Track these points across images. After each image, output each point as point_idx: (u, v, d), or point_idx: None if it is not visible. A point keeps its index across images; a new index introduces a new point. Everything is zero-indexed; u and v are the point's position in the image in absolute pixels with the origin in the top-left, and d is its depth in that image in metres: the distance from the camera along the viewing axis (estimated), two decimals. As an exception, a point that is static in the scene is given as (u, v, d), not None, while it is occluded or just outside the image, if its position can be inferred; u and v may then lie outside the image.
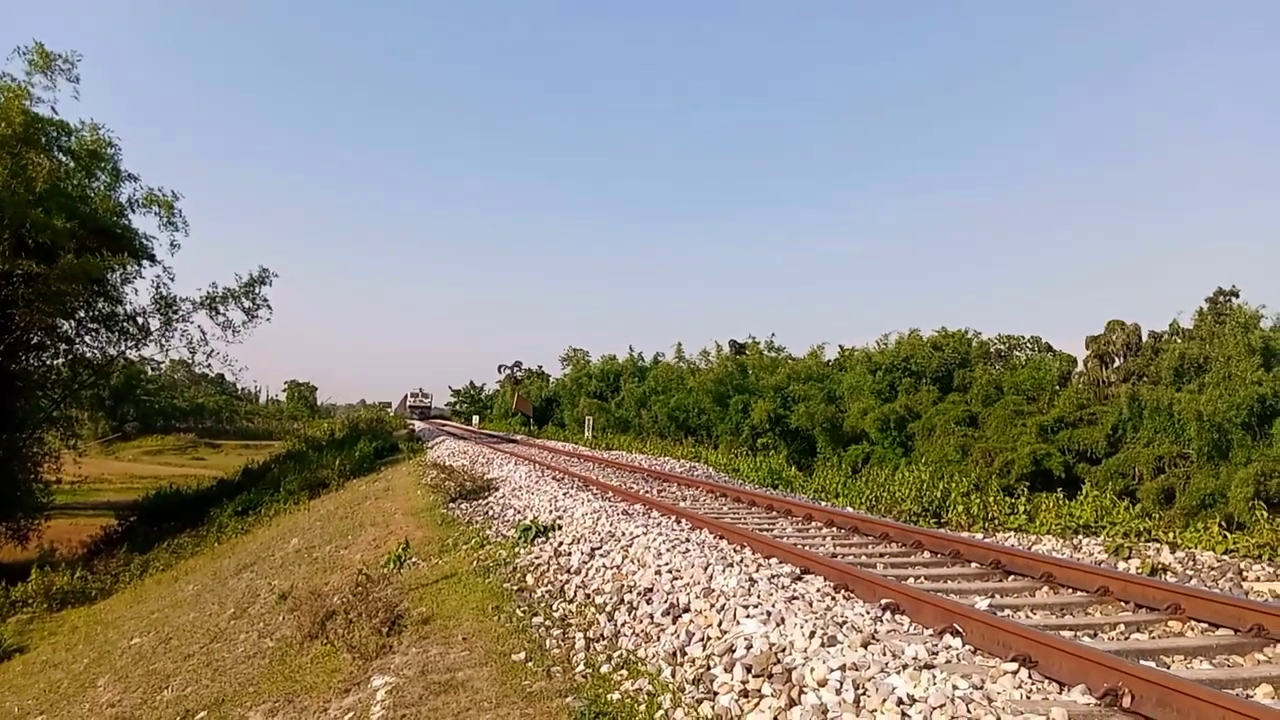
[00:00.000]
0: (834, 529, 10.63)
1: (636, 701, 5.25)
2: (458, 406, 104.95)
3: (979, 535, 11.17)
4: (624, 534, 9.39)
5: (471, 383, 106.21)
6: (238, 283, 34.96)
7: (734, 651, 5.40)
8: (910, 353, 51.79)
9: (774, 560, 7.95)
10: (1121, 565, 8.38)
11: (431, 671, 6.43)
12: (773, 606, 6.00)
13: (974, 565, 8.12)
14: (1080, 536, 10.30)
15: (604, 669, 5.91)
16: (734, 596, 6.33)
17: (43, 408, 32.66)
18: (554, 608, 7.68)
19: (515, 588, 8.58)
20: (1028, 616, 6.30)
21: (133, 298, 33.71)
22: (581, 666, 6.03)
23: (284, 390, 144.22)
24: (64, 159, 30.40)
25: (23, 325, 29.00)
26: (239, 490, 31.52)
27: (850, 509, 14.85)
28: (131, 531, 29.69)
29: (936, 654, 5.04)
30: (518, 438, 44.13)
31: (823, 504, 15.39)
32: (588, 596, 7.76)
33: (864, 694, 4.45)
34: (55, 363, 33.51)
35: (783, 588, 6.67)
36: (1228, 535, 9.44)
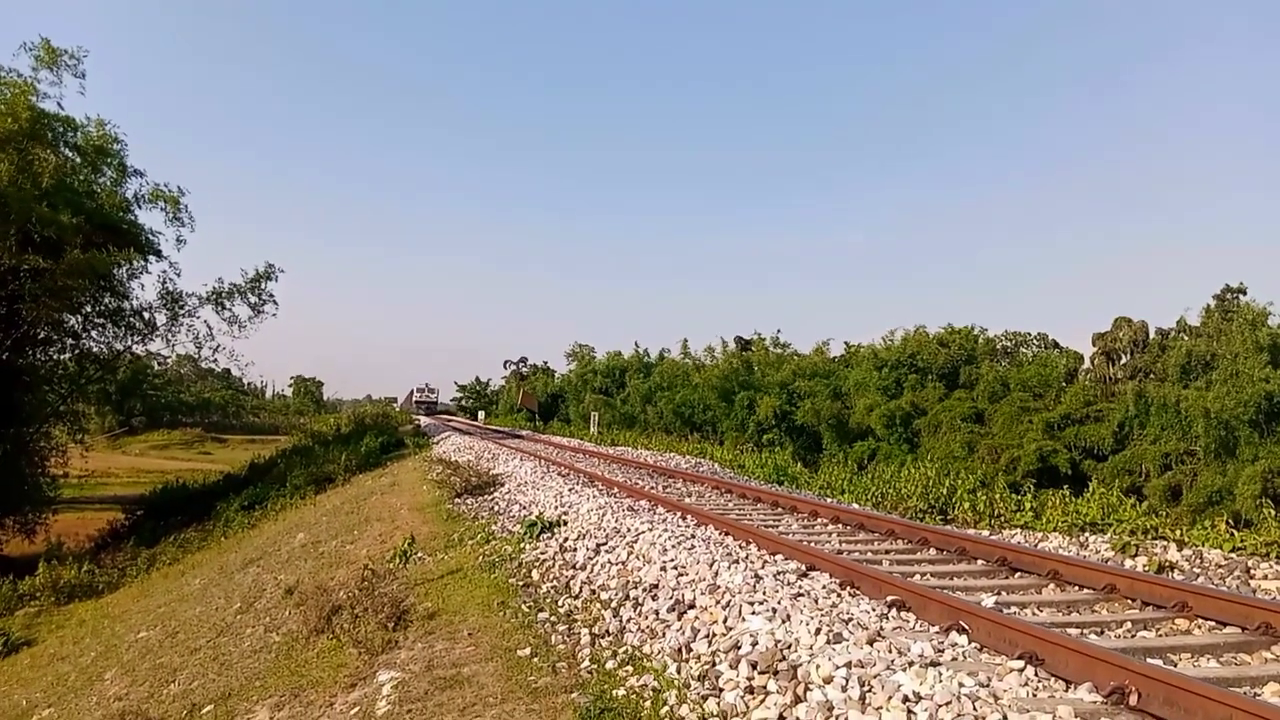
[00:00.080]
0: (840, 525, 10.62)
1: (642, 698, 5.24)
2: (464, 402, 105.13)
3: (985, 532, 11.15)
4: (629, 530, 9.39)
5: (477, 378, 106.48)
6: (244, 278, 35.01)
7: (739, 648, 5.39)
8: (916, 349, 51.69)
9: (779, 557, 7.94)
10: (1128, 563, 8.36)
11: (437, 667, 6.44)
12: (778, 603, 5.99)
13: (980, 562, 8.11)
14: (1087, 534, 10.28)
15: (609, 665, 5.91)
16: (739, 593, 6.32)
17: (49, 402, 32.75)
18: (559, 603, 7.69)
19: (521, 583, 8.59)
20: (1034, 614, 6.28)
21: (139, 293, 33.87)
22: (587, 662, 6.03)
23: (290, 385, 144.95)
24: (70, 154, 30.45)
25: (30, 320, 29.10)
26: (245, 485, 31.63)
27: (856, 505, 14.82)
28: (138, 526, 29.83)
29: (943, 651, 5.03)
30: (523, 433, 44.19)
31: (828, 500, 15.36)
32: (593, 592, 7.76)
33: (870, 691, 4.44)
34: (62, 357, 33.63)
35: (788, 584, 6.66)
36: (1235, 533, 9.39)
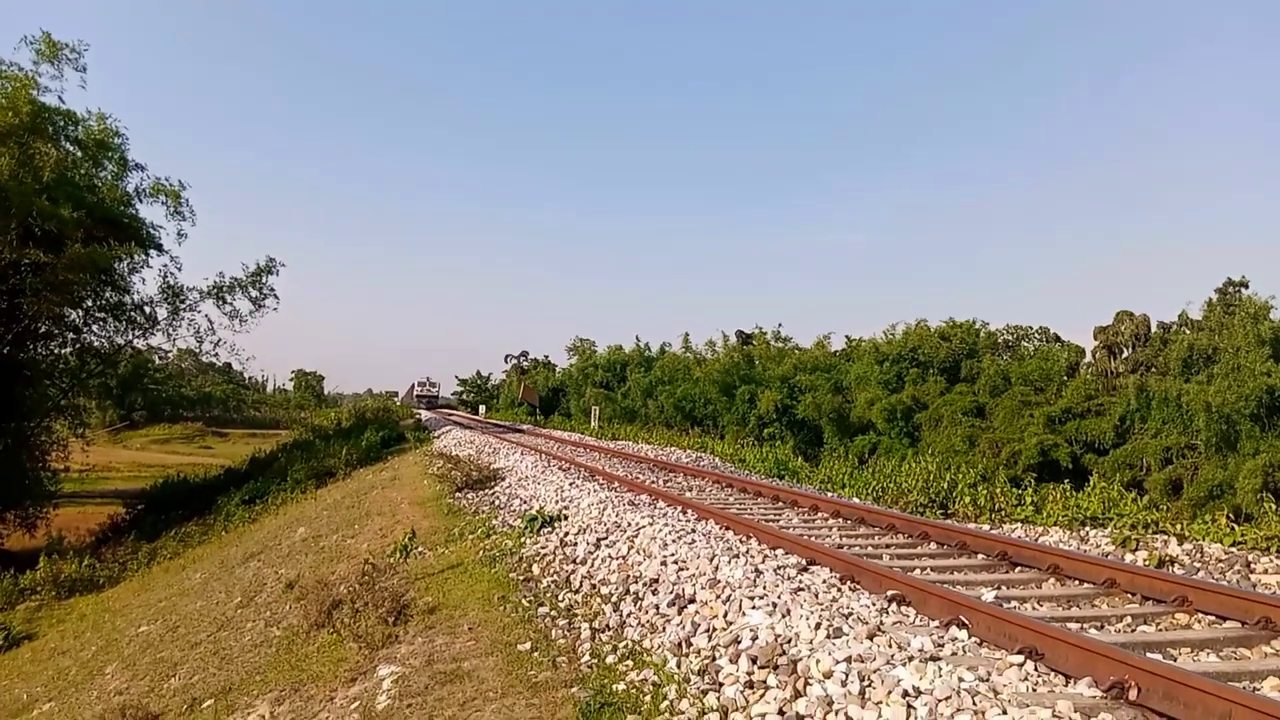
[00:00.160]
0: (840, 520, 10.62)
1: (642, 692, 5.24)
2: (464, 396, 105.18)
3: (986, 526, 11.16)
4: (630, 524, 9.38)
5: (478, 372, 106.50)
6: (245, 272, 35.00)
7: (739, 643, 5.39)
8: (917, 343, 51.60)
9: (780, 551, 7.94)
10: (1129, 557, 8.36)
11: (437, 661, 6.44)
12: (778, 598, 5.99)
13: (980, 557, 8.10)
14: (1087, 528, 10.27)
15: (609, 659, 5.91)
16: (740, 588, 6.32)
17: (50, 396, 32.78)
18: (560, 598, 7.69)
19: (521, 578, 8.59)
20: (1034, 608, 6.27)
21: (140, 287, 33.85)
22: (587, 657, 6.03)
23: (291, 379, 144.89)
24: (71, 148, 30.43)
25: (31, 314, 29.11)
26: (246, 479, 31.64)
27: (857, 500, 14.83)
28: (139, 520, 29.86)
29: (943, 646, 5.03)
30: (524, 427, 44.20)
31: (829, 495, 15.36)
32: (593, 587, 7.76)
33: (870, 686, 4.43)
34: (63, 352, 33.67)
35: (788, 579, 6.66)
36: (1236, 527, 9.40)
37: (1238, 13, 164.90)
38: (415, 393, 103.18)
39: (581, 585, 7.92)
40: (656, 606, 6.62)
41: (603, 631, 6.57)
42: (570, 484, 13.75)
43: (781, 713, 4.53)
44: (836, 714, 4.31)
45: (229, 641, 10.23)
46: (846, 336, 59.56)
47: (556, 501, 11.96)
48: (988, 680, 4.38)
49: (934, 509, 14.77)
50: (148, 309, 33.54)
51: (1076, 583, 6.98)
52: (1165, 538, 9.04)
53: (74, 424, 35.84)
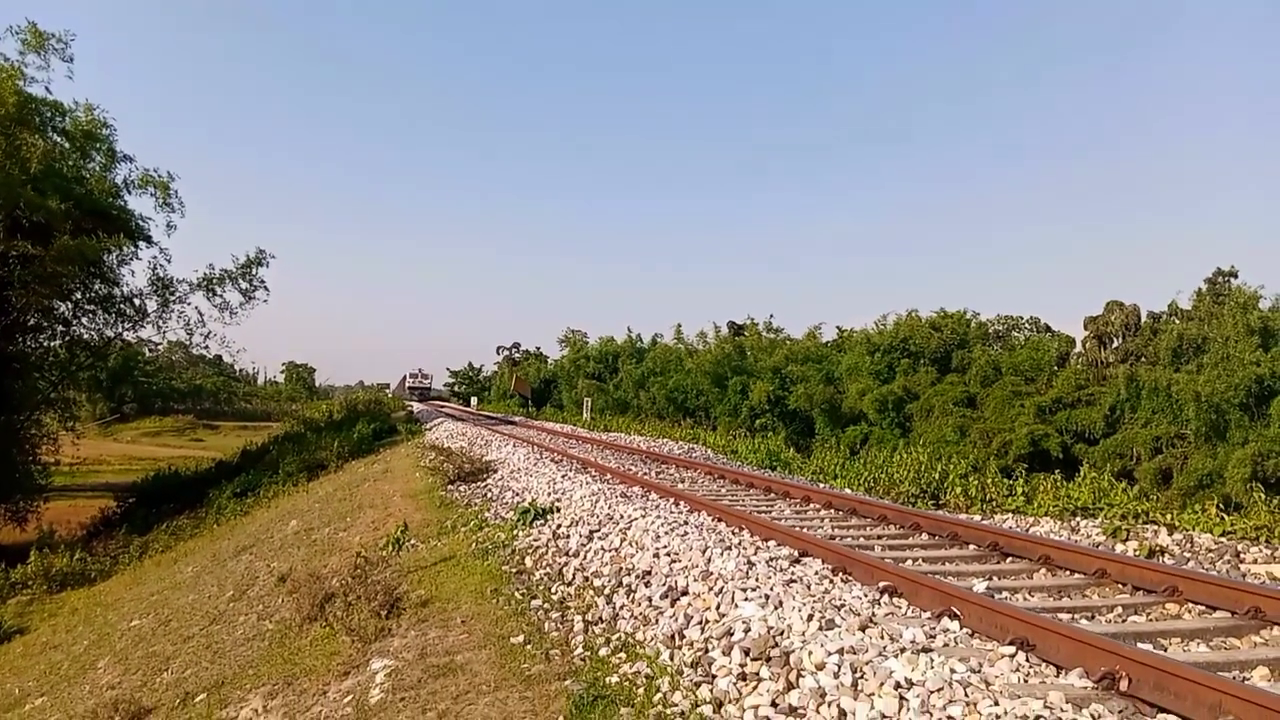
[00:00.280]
0: (832, 511, 10.64)
1: (635, 684, 5.25)
2: (456, 388, 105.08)
3: (977, 517, 11.19)
4: (622, 516, 9.39)
5: (470, 364, 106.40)
6: (235, 264, 34.86)
7: (732, 635, 5.40)
8: (909, 334, 51.66)
9: (772, 543, 7.95)
10: (1119, 547, 8.40)
11: (430, 654, 6.44)
12: (771, 589, 6.00)
13: (972, 547, 8.13)
14: (1078, 518, 10.32)
15: (602, 652, 5.92)
16: (732, 579, 6.33)
17: (40, 389, 32.66)
18: (552, 590, 7.69)
19: (514, 570, 8.59)
20: (1026, 599, 6.30)
21: (129, 279, 33.78)
22: (580, 649, 6.03)
23: (282, 371, 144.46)
24: (59, 139, 30.26)
25: (19, 307, 28.96)
26: (237, 472, 31.57)
27: (848, 491, 14.86)
28: (130, 513, 29.77)
29: (934, 637, 5.04)
30: (516, 419, 44.16)
31: (821, 486, 15.40)
32: (586, 579, 7.76)
33: (862, 677, 4.45)
34: (52, 344, 33.51)
35: (781, 570, 6.67)
36: (1225, 517, 9.45)
37: (1235, 10, 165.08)
38: (407, 384, 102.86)
39: (574, 578, 7.93)
40: (649, 599, 6.63)
41: (596, 624, 6.57)
42: (562, 476, 13.74)
43: (774, 704, 4.54)
44: (829, 706, 4.32)
45: (221, 635, 10.21)
46: (838, 327, 59.63)
47: (549, 494, 11.96)
48: (979, 671, 4.40)
49: (925, 500, 14.84)
50: (137, 301, 33.50)
51: (1067, 573, 7.00)
52: (1155, 528, 9.09)
53: (64, 417, 35.74)
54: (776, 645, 5.04)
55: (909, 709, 4.10)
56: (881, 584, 6.24)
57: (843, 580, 6.59)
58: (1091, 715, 3.89)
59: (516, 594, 7.65)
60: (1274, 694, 3.74)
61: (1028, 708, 3.87)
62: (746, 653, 5.07)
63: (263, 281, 35.47)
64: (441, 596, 8.10)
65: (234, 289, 34.79)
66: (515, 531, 10.17)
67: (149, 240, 32.83)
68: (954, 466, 17.29)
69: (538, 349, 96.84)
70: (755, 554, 7.30)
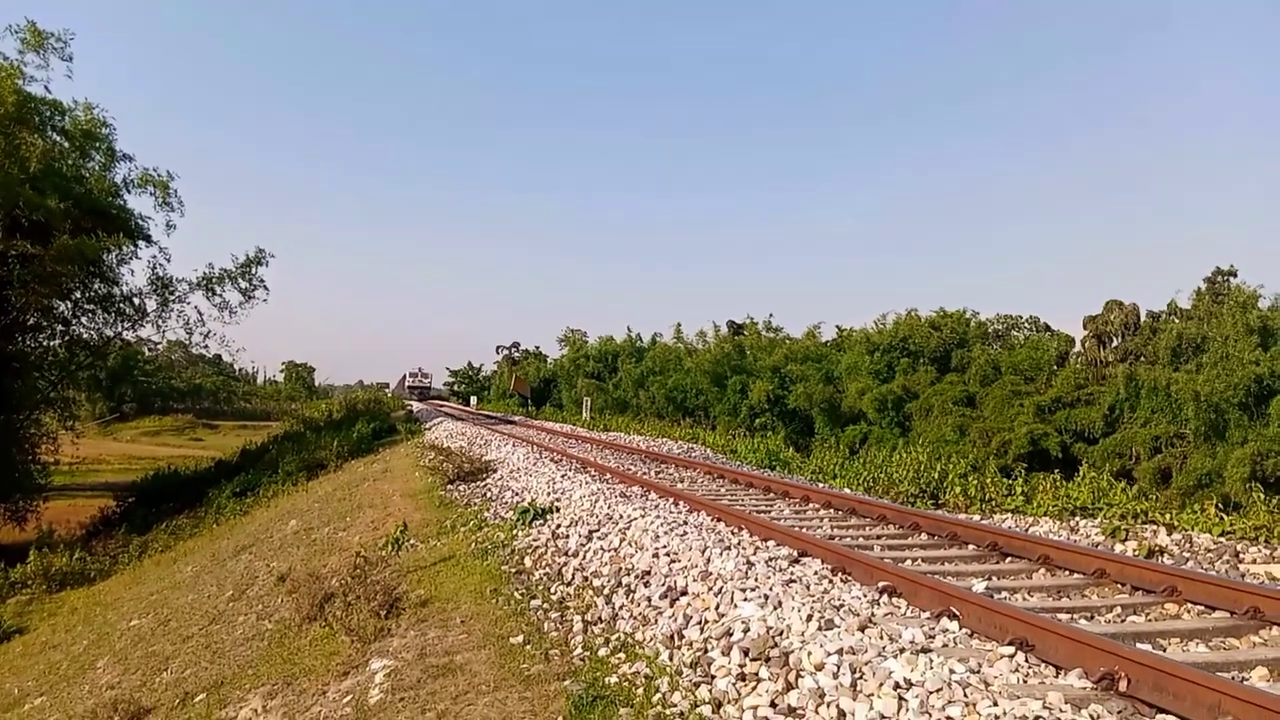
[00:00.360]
0: (831, 511, 10.64)
1: (634, 684, 5.25)
2: (456, 387, 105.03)
3: (976, 517, 11.19)
4: (622, 516, 9.39)
5: (469, 363, 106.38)
6: (234, 264, 34.85)
7: (731, 635, 5.40)
8: (908, 333, 51.61)
9: (771, 543, 7.95)
10: (1118, 547, 8.40)
11: (430, 654, 6.44)
12: (770, 589, 6.00)
13: (971, 547, 8.13)
14: (1077, 518, 10.32)
15: (602, 652, 5.92)
16: (731, 579, 6.33)
17: (40, 389, 32.64)
18: (552, 590, 7.69)
19: (513, 570, 8.59)
20: (1025, 599, 6.30)
21: (129, 278, 33.78)
22: (579, 649, 6.03)
23: (282, 371, 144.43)
24: (58, 139, 30.26)
25: (19, 306, 28.96)
26: (237, 471, 31.56)
27: (848, 490, 14.86)
28: (130, 513, 29.76)
29: (933, 637, 5.04)
30: (515, 419, 44.15)
31: (820, 485, 15.41)
32: (585, 579, 7.77)
33: (861, 678, 4.45)
34: (52, 344, 33.51)
35: (780, 570, 6.67)
36: (1224, 517, 9.45)
37: (1231, 4, 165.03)
38: (407, 384, 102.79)
39: (574, 578, 7.93)
40: (649, 599, 6.63)
41: (595, 624, 6.57)
42: (562, 476, 13.74)
43: (773, 705, 4.54)
44: (828, 706, 4.32)
45: (221, 635, 10.21)
46: (837, 326, 59.59)
47: (548, 494, 11.96)
48: (979, 672, 4.40)
49: (925, 499, 14.83)
50: (137, 300, 33.49)
51: (1067, 573, 7.00)
52: (1154, 528, 9.09)
53: (63, 416, 35.73)
54: (775, 645, 5.05)
55: (908, 709, 4.10)
56: (881, 584, 6.24)
57: (842, 580, 6.59)
58: (1090, 716, 3.89)
59: (516, 594, 7.65)
60: (1273, 694, 3.74)
61: (1027, 708, 3.87)
62: (746, 653, 5.07)
63: (262, 281, 35.52)
64: (441, 596, 8.10)
65: (233, 288, 34.83)
66: (515, 531, 10.17)
67: (148, 239, 32.88)
68: (953, 466, 17.29)
69: (537, 348, 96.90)
70: (754, 554, 7.31)
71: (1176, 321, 43.89)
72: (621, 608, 6.73)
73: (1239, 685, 4.02)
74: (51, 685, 11.65)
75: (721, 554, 7.08)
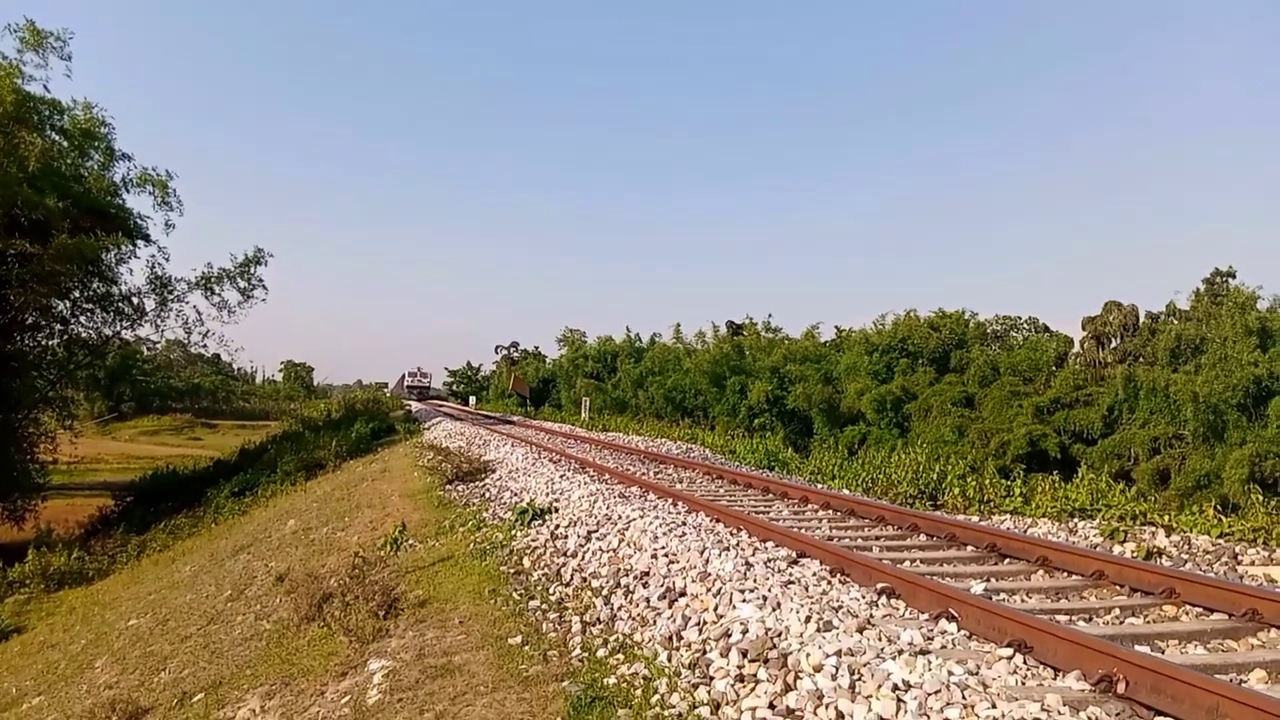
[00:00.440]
0: (830, 511, 10.64)
1: (633, 686, 5.25)
2: (455, 387, 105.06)
3: (975, 518, 11.19)
4: (620, 517, 9.38)
5: (468, 363, 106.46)
6: (233, 263, 34.81)
7: (730, 636, 5.40)
8: (907, 333, 51.59)
9: (770, 544, 7.95)
10: (1117, 549, 8.40)
11: (428, 655, 6.44)
12: (769, 591, 6.00)
13: (970, 548, 8.13)
14: (1076, 519, 10.33)
15: (600, 653, 5.92)
16: (730, 580, 6.33)
17: (38, 388, 32.60)
18: (550, 591, 7.69)
19: (512, 571, 8.59)
20: (1023, 601, 6.31)
21: (128, 278, 33.72)
22: (578, 650, 6.03)
23: (280, 370, 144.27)
24: (57, 138, 30.22)
25: (17, 305, 28.91)
26: (235, 471, 31.55)
27: (847, 491, 14.87)
28: (128, 512, 29.74)
29: (932, 639, 5.04)
30: (514, 419, 44.14)
31: (819, 486, 15.41)
32: (584, 580, 7.76)
33: (859, 679, 4.45)
34: (50, 343, 33.47)
35: (779, 571, 6.67)
36: (1223, 519, 9.46)
37: (1231, 4, 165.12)
38: (405, 384, 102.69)
39: (572, 578, 7.93)
40: (647, 600, 6.63)
41: (593, 625, 6.57)
42: (561, 476, 13.74)
43: (772, 706, 4.54)
44: (827, 708, 4.32)
45: (219, 635, 10.20)
46: (836, 327, 59.53)
47: (547, 494, 11.95)
48: (977, 674, 4.40)
49: (923, 500, 14.82)
50: (135, 300, 33.44)
51: (1065, 575, 7.01)
52: (1153, 529, 9.10)
53: (62, 416, 35.69)
54: (774, 647, 5.04)
55: (906, 711, 4.10)
56: (879, 585, 6.24)
57: (841, 581, 6.59)
58: (1089, 717, 3.89)
59: (514, 595, 7.65)
60: (1271, 697, 3.75)
61: (1025, 710, 3.87)
62: (744, 654, 5.07)
63: (261, 280, 35.47)
64: (439, 597, 8.09)
65: (232, 288, 34.77)
66: (513, 532, 10.17)
67: (147, 239, 32.83)
68: (952, 467, 17.26)
69: (536, 348, 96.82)
70: (753, 555, 7.31)
71: (1175, 323, 43.88)
72: (620, 609, 6.73)
73: (1237, 687, 4.03)
74: (49, 685, 11.64)
75: (720, 555, 7.08)
